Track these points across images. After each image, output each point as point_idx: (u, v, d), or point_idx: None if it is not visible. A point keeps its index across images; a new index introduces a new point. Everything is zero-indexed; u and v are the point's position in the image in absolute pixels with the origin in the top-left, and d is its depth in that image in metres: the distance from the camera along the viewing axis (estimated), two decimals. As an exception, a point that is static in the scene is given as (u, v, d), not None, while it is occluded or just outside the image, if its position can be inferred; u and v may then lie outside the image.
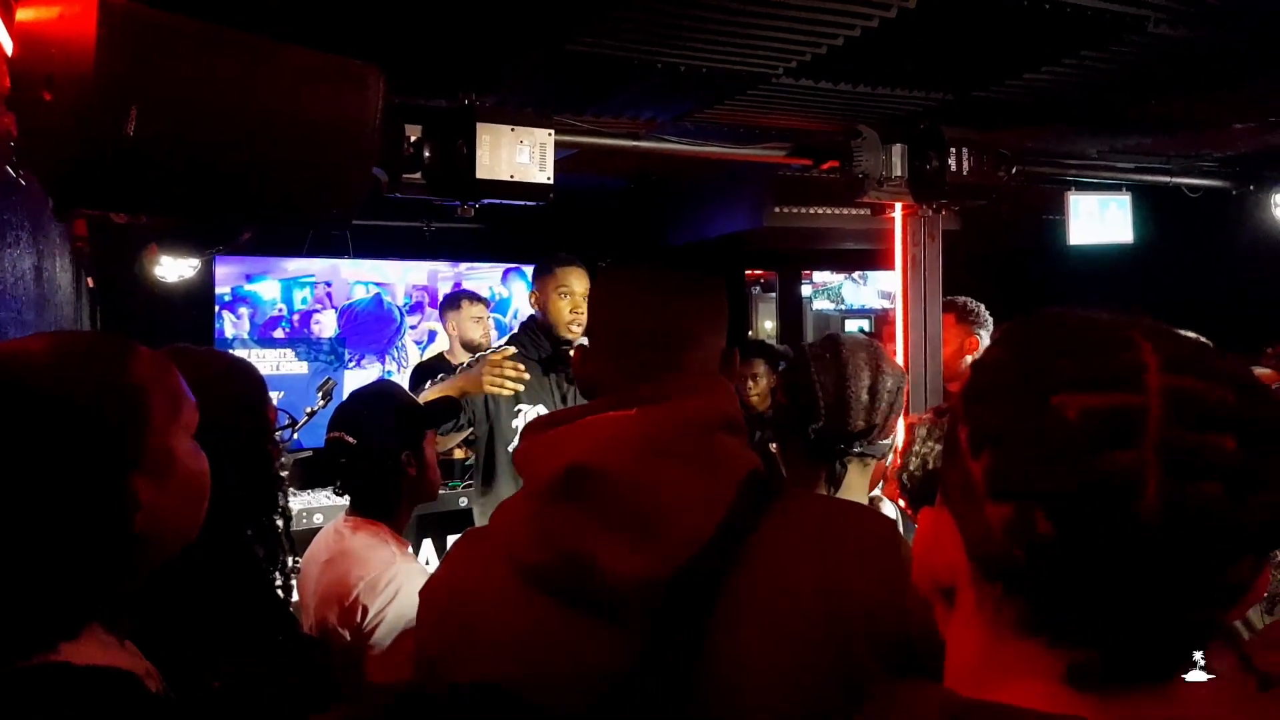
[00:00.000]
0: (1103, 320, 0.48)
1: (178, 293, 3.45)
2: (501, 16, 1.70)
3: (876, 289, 5.69)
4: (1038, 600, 0.45)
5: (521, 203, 2.05)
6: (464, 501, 3.17)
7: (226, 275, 3.68)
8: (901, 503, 1.50)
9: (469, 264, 4.21)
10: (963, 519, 0.48)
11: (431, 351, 3.90)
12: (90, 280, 3.45)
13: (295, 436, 2.43)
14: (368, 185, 1.53)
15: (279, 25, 1.40)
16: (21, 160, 1.39)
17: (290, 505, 1.29)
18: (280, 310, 3.80)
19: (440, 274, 4.10)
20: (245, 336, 3.71)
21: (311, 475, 3.41)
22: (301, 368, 3.83)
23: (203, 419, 0.84)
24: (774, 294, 5.44)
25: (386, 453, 1.57)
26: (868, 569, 0.78)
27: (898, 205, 2.58)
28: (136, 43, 1.22)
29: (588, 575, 0.77)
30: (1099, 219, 3.15)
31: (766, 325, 5.75)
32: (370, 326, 3.98)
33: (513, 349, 2.32)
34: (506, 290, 4.32)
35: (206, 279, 3.56)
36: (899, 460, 1.61)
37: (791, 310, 5.19)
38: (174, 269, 3.32)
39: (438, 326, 4.04)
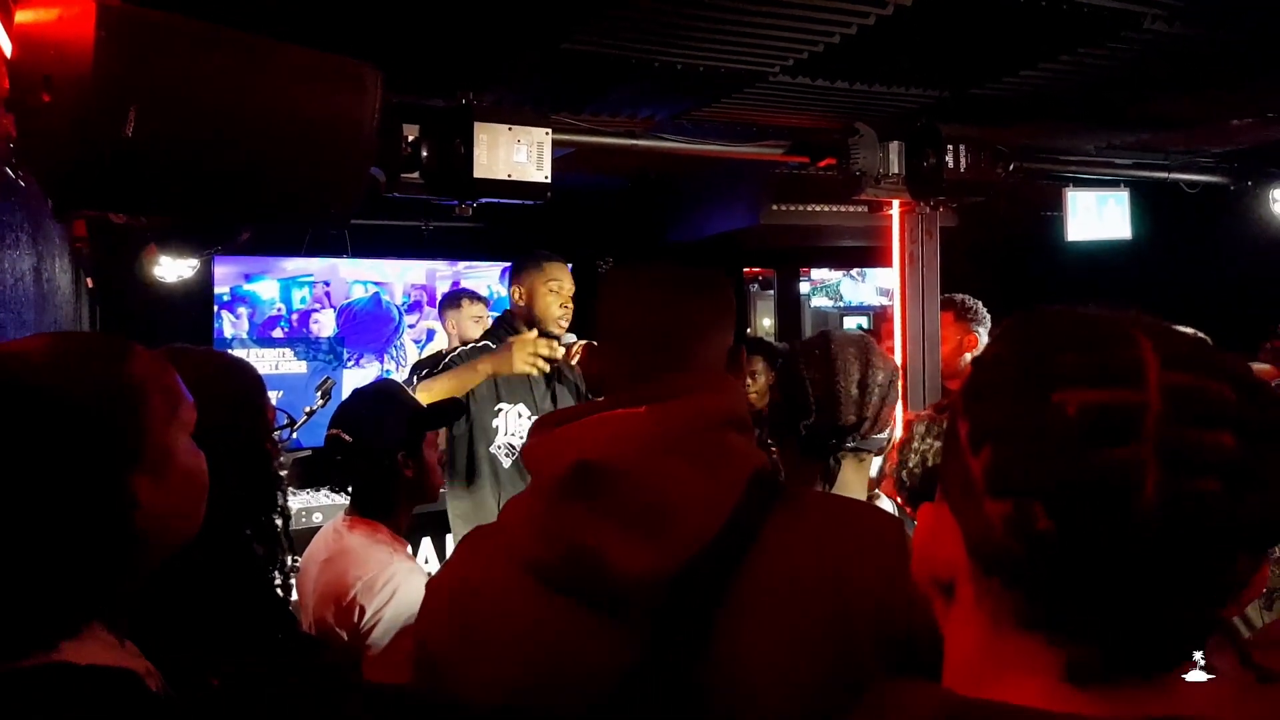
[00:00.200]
0: (1102, 317, 0.48)
1: (177, 293, 3.45)
2: (498, 15, 1.71)
3: (875, 286, 5.69)
4: (1037, 596, 0.45)
5: (519, 202, 2.05)
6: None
7: (225, 275, 3.68)
8: (898, 499, 1.50)
9: (467, 263, 4.21)
10: (962, 515, 0.48)
11: (430, 350, 3.90)
12: (90, 281, 3.44)
13: (294, 436, 2.43)
14: (365, 184, 1.53)
15: (276, 25, 1.40)
16: (21, 161, 1.39)
17: (289, 504, 1.29)
18: (279, 310, 3.80)
19: (439, 273, 4.10)
20: (244, 336, 3.71)
21: (310, 474, 3.42)
22: (300, 367, 3.83)
23: (201, 418, 0.84)
24: (772, 291, 5.44)
25: (383, 452, 1.58)
26: (873, 568, 0.78)
27: (895, 202, 2.59)
28: (135, 44, 1.22)
29: (595, 571, 0.77)
30: (1097, 215, 3.15)
31: (765, 323, 5.75)
32: (369, 326, 3.98)
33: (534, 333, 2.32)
34: (505, 289, 4.32)
35: (205, 279, 3.56)
36: (896, 457, 1.62)
37: (790, 308, 5.19)
38: (173, 269, 3.32)
39: (436, 325, 4.04)
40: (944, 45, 1.93)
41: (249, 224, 2.60)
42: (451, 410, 1.88)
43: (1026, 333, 0.49)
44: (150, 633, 0.79)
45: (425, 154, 1.95)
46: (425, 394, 2.13)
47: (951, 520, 0.49)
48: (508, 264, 2.97)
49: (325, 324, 3.88)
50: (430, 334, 4.10)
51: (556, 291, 2.42)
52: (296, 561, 1.58)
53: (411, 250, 4.05)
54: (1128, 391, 0.44)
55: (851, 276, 5.66)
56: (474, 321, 3.41)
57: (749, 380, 3.13)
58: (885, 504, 1.43)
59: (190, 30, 1.29)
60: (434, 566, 2.71)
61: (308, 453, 3.35)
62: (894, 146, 2.41)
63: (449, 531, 3.14)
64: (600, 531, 0.77)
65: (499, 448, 2.40)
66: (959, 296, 2.79)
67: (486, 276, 4.24)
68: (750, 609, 0.77)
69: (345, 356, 3.93)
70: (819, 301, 5.67)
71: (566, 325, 2.47)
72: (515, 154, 1.98)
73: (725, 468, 0.80)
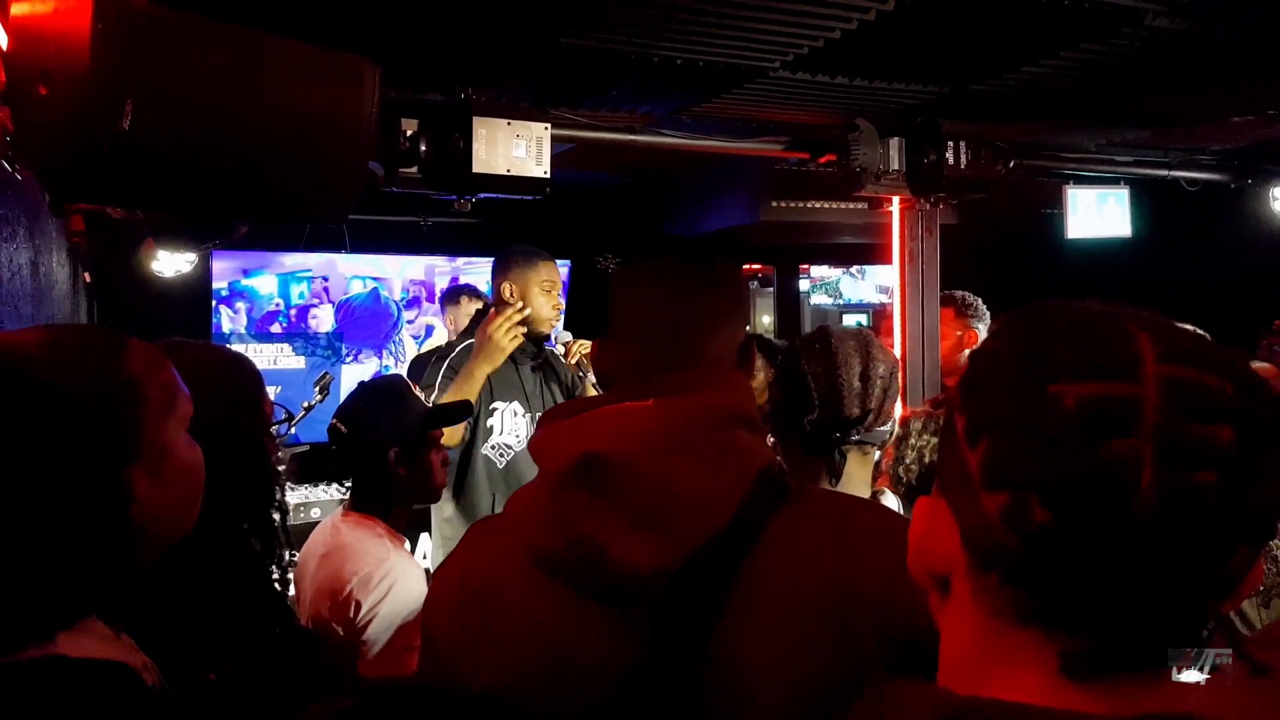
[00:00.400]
0: (1100, 311, 0.48)
1: (175, 288, 3.44)
2: (498, 10, 1.70)
3: (874, 283, 5.69)
4: (1033, 589, 0.45)
5: (518, 197, 2.05)
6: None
7: (223, 270, 3.67)
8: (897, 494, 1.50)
9: (466, 258, 4.21)
10: (959, 508, 0.48)
11: (429, 346, 3.90)
12: (87, 275, 3.44)
13: (292, 430, 2.43)
14: (364, 179, 1.53)
15: (274, 19, 1.39)
16: (17, 155, 1.39)
17: (287, 499, 1.29)
18: (277, 305, 3.79)
19: (437, 268, 4.09)
20: (242, 331, 3.71)
21: (309, 468, 3.42)
22: (299, 362, 3.83)
23: (198, 412, 0.84)
24: (771, 289, 5.44)
25: (377, 448, 1.58)
26: (877, 568, 0.78)
27: (895, 199, 2.58)
28: (131, 37, 1.21)
29: (597, 563, 0.77)
30: (1097, 213, 3.15)
31: (764, 320, 5.75)
32: (367, 321, 3.98)
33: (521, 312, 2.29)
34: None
35: (203, 274, 3.55)
36: (892, 453, 1.62)
37: (789, 305, 5.19)
38: (171, 264, 3.31)
39: (435, 321, 4.04)
40: (945, 40, 1.92)
41: (246, 219, 2.60)
42: (458, 410, 1.88)
43: (1024, 327, 0.49)
44: (148, 627, 0.79)
45: (424, 149, 1.94)
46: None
47: (948, 514, 0.49)
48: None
49: (324, 319, 3.88)
50: (429, 329, 4.09)
51: (550, 291, 2.40)
52: (294, 557, 1.58)
53: (410, 246, 4.04)
54: (1125, 385, 0.44)
55: (851, 274, 5.65)
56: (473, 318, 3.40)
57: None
58: (891, 501, 1.43)
59: (187, 24, 1.29)
60: (432, 563, 2.70)
61: (306, 448, 3.36)
62: (894, 143, 2.41)
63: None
64: (603, 524, 0.78)
65: (493, 448, 2.38)
66: (959, 293, 2.79)
67: (485, 272, 4.22)
68: (752, 607, 0.76)
69: (344, 352, 3.92)
70: (818, 299, 5.67)
71: (555, 323, 2.46)
72: (514, 149, 1.97)
73: (731, 464, 0.80)
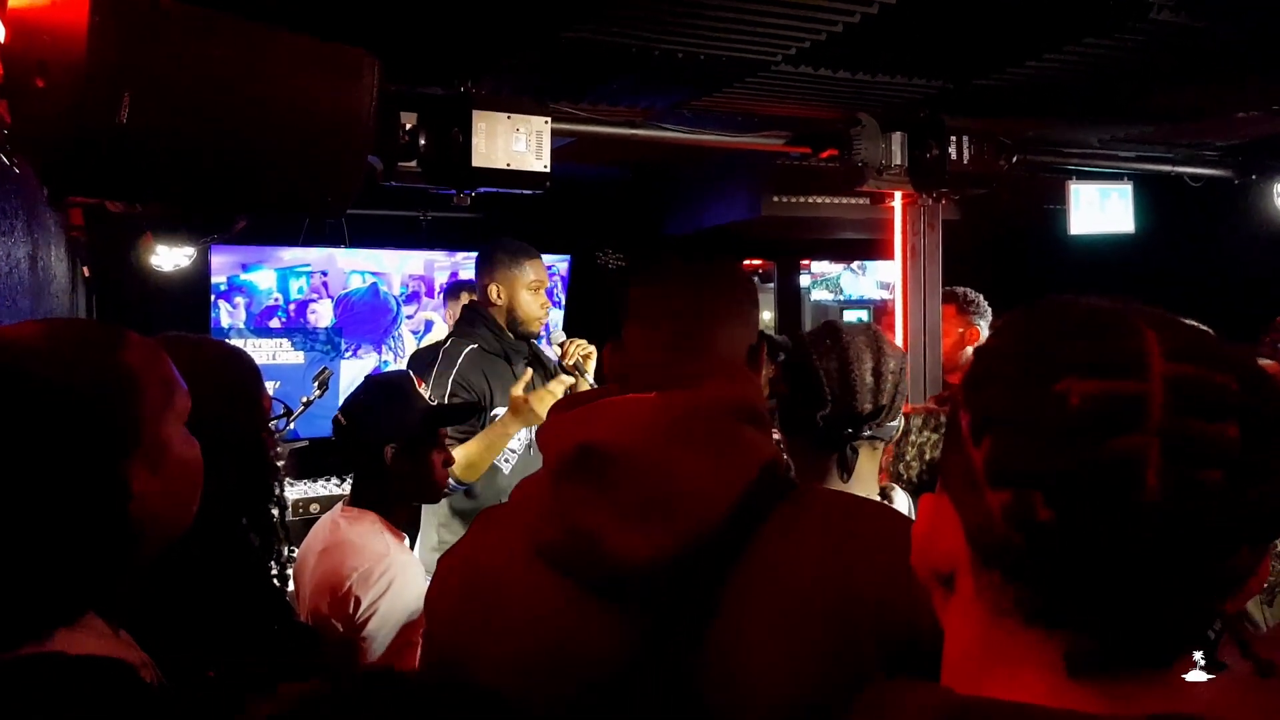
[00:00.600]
0: (1106, 307, 0.48)
1: (174, 282, 3.43)
2: (498, 3, 1.69)
3: (875, 279, 5.68)
4: (1037, 587, 0.45)
5: (518, 191, 2.04)
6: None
7: (222, 264, 3.66)
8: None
9: (465, 253, 4.19)
10: (963, 505, 0.48)
11: (428, 341, 3.89)
12: (86, 270, 3.43)
13: (291, 426, 2.42)
14: (363, 173, 1.52)
15: (273, 12, 1.38)
16: (15, 148, 1.38)
17: (286, 494, 1.29)
18: (276, 300, 3.78)
19: (437, 263, 4.08)
20: (241, 326, 3.70)
21: (309, 464, 3.41)
22: (298, 357, 3.82)
23: (196, 407, 0.83)
24: (772, 284, 5.43)
25: (375, 443, 1.57)
26: (878, 567, 0.77)
27: (897, 194, 2.57)
28: (129, 29, 1.20)
29: (593, 554, 0.77)
30: (1100, 208, 3.14)
31: (765, 316, 5.74)
32: (366, 316, 3.97)
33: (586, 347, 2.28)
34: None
35: (202, 268, 3.54)
36: (892, 450, 1.61)
37: (790, 301, 5.18)
38: (169, 258, 3.30)
39: (434, 316, 4.03)
40: (948, 34, 1.91)
41: (245, 213, 2.59)
42: (464, 410, 1.86)
43: (1029, 323, 0.49)
44: (146, 623, 0.79)
45: (423, 142, 1.93)
46: (461, 454, 2.07)
47: (951, 511, 0.49)
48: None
49: (323, 314, 3.87)
50: (429, 325, 4.08)
51: (537, 292, 2.38)
52: (293, 552, 1.58)
53: (409, 241, 4.03)
54: (1130, 382, 0.43)
55: (852, 270, 5.64)
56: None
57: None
58: (901, 498, 1.42)
59: (185, 16, 1.28)
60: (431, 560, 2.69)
61: (305, 443, 3.35)
62: (896, 137, 2.39)
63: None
64: (599, 514, 0.77)
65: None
66: (960, 290, 2.78)
67: (484, 267, 4.22)
68: (749, 603, 0.76)
69: (343, 347, 3.91)
70: (819, 295, 5.66)
71: (545, 321, 2.44)
72: (514, 143, 1.96)
73: (732, 458, 0.80)
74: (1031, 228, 3.92)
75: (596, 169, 3.59)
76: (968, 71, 2.16)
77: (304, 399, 2.59)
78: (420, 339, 4.02)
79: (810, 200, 3.50)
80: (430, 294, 4.06)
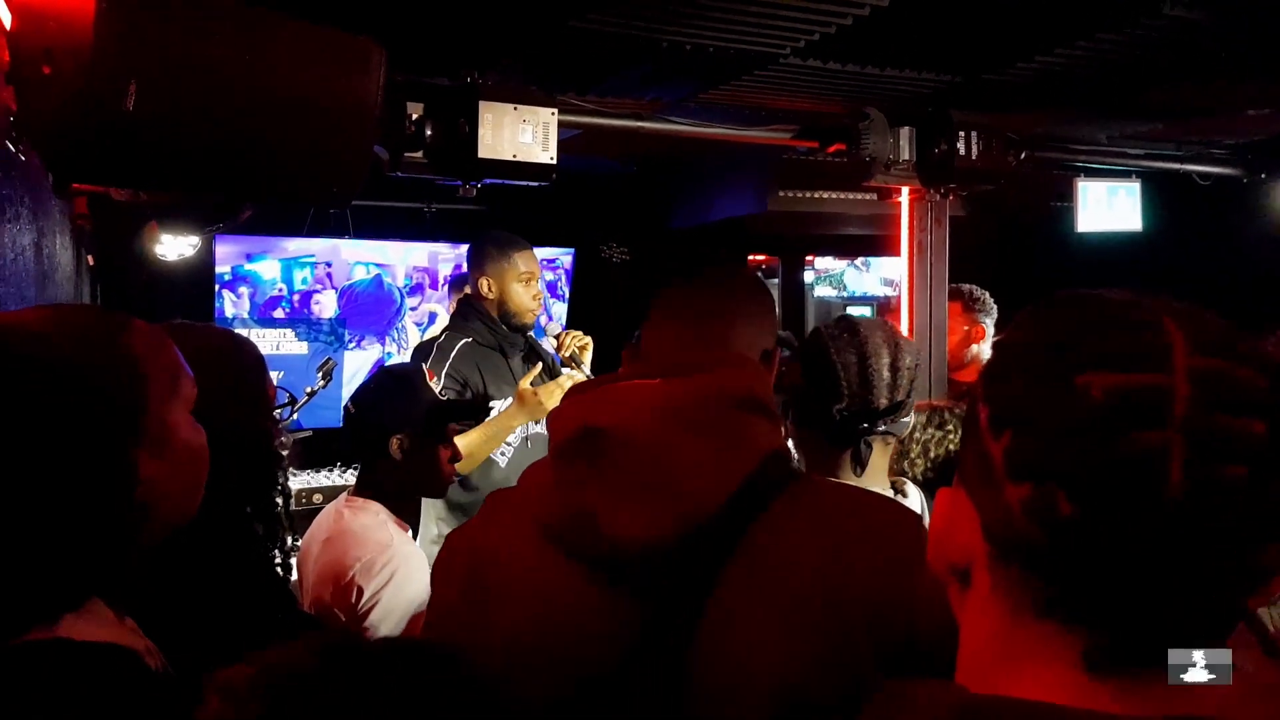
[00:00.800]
0: (1128, 300, 0.47)
1: (178, 271, 3.43)
2: (506, -8, 1.68)
3: (879, 276, 5.66)
4: (1056, 582, 0.44)
5: (524, 183, 2.03)
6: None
7: (227, 254, 3.65)
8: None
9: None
10: (981, 499, 0.47)
11: (431, 333, 3.89)
12: (90, 258, 3.43)
13: (295, 416, 2.42)
14: (369, 163, 1.51)
15: (280, 0, 1.38)
16: (21, 135, 1.37)
17: (290, 484, 1.29)
18: (280, 290, 3.78)
19: (441, 255, 4.07)
20: (245, 316, 3.70)
21: (313, 453, 3.42)
22: (301, 348, 3.82)
23: (201, 395, 0.83)
24: (776, 280, 5.42)
25: (380, 433, 1.57)
26: (878, 564, 0.77)
27: (905, 190, 2.56)
28: (136, 17, 1.20)
29: (591, 533, 0.78)
30: (1108, 206, 3.12)
31: (769, 311, 5.71)
32: (370, 307, 3.97)
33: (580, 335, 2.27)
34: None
35: (206, 258, 3.54)
36: (897, 447, 1.60)
37: (794, 296, 5.17)
38: (174, 247, 3.30)
39: (438, 308, 4.02)
40: (958, 28, 1.90)
41: (250, 202, 2.58)
42: (473, 407, 1.86)
43: (1050, 316, 0.48)
44: (150, 611, 0.79)
45: (429, 133, 1.92)
46: (460, 444, 2.08)
47: (969, 505, 0.48)
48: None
49: (327, 305, 3.87)
50: (432, 316, 4.08)
51: (528, 283, 2.38)
52: (297, 541, 1.58)
53: (414, 232, 4.03)
54: (1154, 376, 0.42)
55: (856, 266, 5.62)
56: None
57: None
58: (913, 494, 1.42)
59: (192, 4, 1.28)
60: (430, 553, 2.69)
61: (309, 433, 3.36)
62: (904, 132, 2.38)
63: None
64: (599, 494, 0.78)
65: None
66: (966, 287, 2.77)
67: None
68: (743, 591, 0.76)
69: (346, 338, 3.91)
70: (822, 291, 5.64)
71: (538, 314, 2.44)
72: (520, 134, 1.95)
73: (734, 446, 0.80)
74: (1038, 225, 3.90)
75: (601, 162, 3.57)
76: (977, 66, 2.15)
77: (308, 389, 2.59)
78: (424, 331, 4.02)
79: (816, 195, 3.49)
80: (434, 286, 4.06)
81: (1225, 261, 3.52)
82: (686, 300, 0.95)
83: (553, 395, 2.19)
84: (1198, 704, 0.43)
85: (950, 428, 1.69)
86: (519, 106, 1.95)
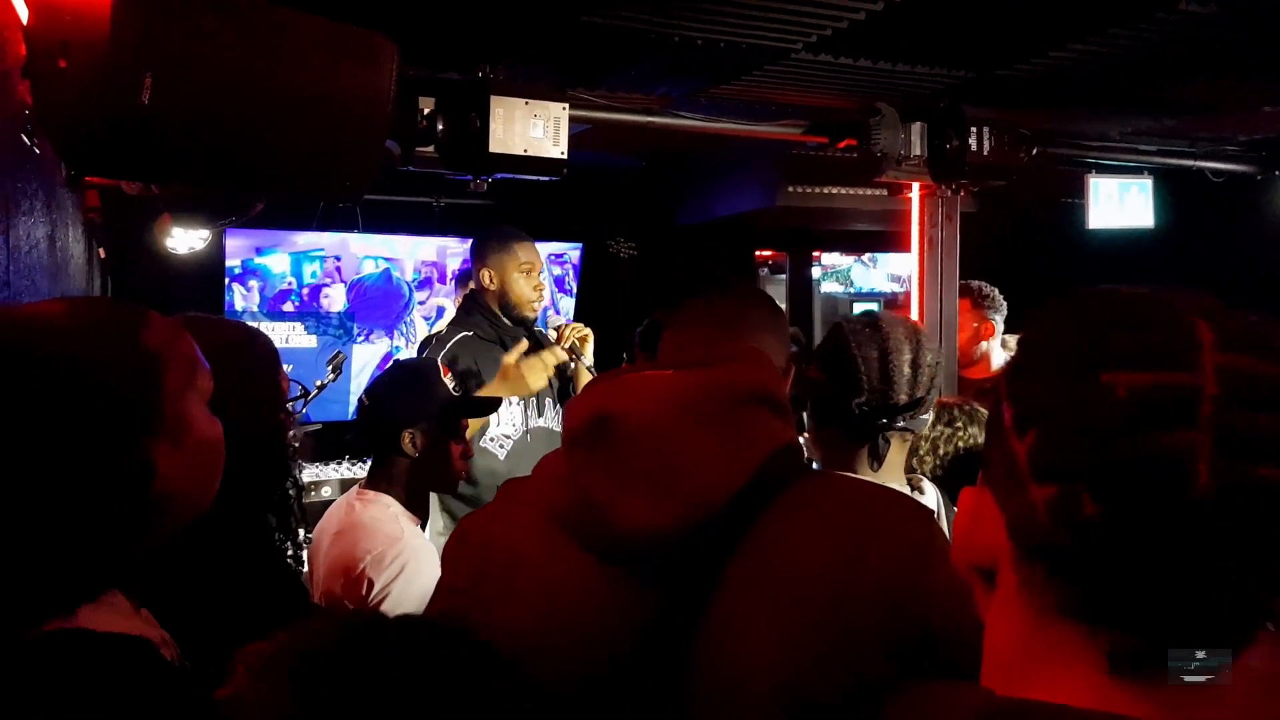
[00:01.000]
0: (1155, 296, 0.46)
1: (188, 265, 3.44)
2: (517, -14, 1.68)
3: (886, 272, 5.64)
4: (1082, 584, 0.44)
5: (534, 177, 2.03)
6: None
7: (237, 248, 3.67)
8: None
9: (479, 240, 4.19)
10: (1005, 499, 0.47)
11: (439, 327, 3.90)
12: (102, 251, 3.45)
13: (305, 409, 2.43)
14: (381, 157, 1.52)
15: (293, -6, 1.38)
16: (36, 128, 1.38)
17: (301, 477, 1.30)
18: (290, 284, 3.79)
19: (449, 249, 4.08)
20: (255, 309, 3.71)
21: (322, 446, 3.44)
22: (310, 341, 3.83)
23: (216, 388, 0.84)
24: (783, 275, 5.40)
25: (391, 426, 1.58)
26: (885, 557, 0.76)
27: (915, 185, 2.55)
28: (152, 11, 1.20)
29: (600, 521, 0.78)
30: (1119, 203, 3.10)
31: (777, 308, 5.70)
32: (379, 301, 3.97)
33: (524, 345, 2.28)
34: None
35: (217, 251, 3.55)
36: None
37: (801, 293, 5.15)
38: (185, 241, 3.31)
39: (446, 302, 4.02)
40: (970, 24, 1.89)
41: (263, 195, 2.59)
42: (485, 404, 1.87)
43: (1074, 312, 0.47)
44: (164, 602, 0.79)
45: (441, 127, 1.92)
46: None
47: (993, 505, 0.47)
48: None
49: (335, 299, 3.88)
50: (440, 310, 4.09)
51: (529, 274, 2.38)
52: (308, 534, 1.59)
53: (422, 226, 4.03)
54: (1181, 374, 0.42)
55: (863, 262, 5.60)
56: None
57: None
58: (929, 491, 1.42)
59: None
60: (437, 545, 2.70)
61: (318, 426, 3.37)
62: (916, 128, 2.37)
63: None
64: (608, 481, 0.78)
65: (492, 440, 2.37)
66: (975, 283, 2.76)
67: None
68: (749, 584, 0.76)
69: (355, 331, 3.92)
70: (829, 287, 5.62)
71: (541, 306, 2.45)
72: (531, 129, 1.95)
73: (744, 438, 0.80)
74: (1048, 221, 3.89)
75: (610, 157, 3.57)
76: (989, 62, 2.14)
77: (318, 382, 2.59)
78: (432, 324, 4.03)
79: (825, 191, 3.48)
80: (443, 280, 4.06)
81: (1237, 259, 3.50)
82: (708, 309, 0.97)
83: (534, 369, 2.18)
84: (1222, 708, 0.42)
85: (960, 425, 1.69)
86: (530, 101, 1.95)
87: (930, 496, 1.40)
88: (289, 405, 1.26)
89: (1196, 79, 2.27)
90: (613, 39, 1.91)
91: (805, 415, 1.37)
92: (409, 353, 3.77)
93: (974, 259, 2.70)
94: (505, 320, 2.39)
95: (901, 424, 1.25)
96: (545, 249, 2.49)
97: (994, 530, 0.47)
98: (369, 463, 1.69)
